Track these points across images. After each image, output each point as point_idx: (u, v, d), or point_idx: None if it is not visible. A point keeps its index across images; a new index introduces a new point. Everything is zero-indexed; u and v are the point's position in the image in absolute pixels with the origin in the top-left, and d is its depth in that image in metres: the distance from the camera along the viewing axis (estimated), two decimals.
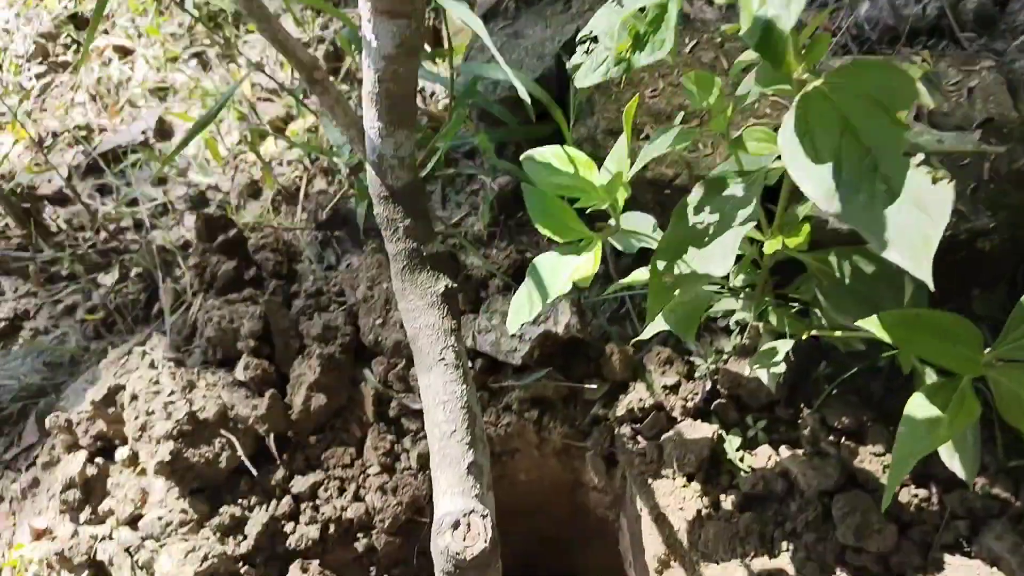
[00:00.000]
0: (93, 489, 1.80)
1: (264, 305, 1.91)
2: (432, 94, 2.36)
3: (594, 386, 1.82)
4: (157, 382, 1.79)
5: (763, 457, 1.67)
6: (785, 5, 0.83)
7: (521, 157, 1.26)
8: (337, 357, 1.86)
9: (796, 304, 1.46)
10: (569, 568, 2.39)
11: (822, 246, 1.30)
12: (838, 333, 1.33)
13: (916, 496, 1.54)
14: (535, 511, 2.13)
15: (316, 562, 1.75)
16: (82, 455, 1.82)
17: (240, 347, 1.89)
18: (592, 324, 1.87)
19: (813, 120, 0.89)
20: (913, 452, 1.08)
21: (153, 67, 2.85)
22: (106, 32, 3.01)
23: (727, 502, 1.65)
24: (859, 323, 1.06)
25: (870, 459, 1.60)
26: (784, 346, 1.41)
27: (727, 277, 1.43)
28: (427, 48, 2.06)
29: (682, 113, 1.55)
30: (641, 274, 1.38)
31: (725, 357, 1.75)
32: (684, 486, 1.69)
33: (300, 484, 1.79)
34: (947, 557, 1.49)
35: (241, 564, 1.70)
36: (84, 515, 1.78)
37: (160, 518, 1.71)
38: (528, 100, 1.54)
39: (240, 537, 1.72)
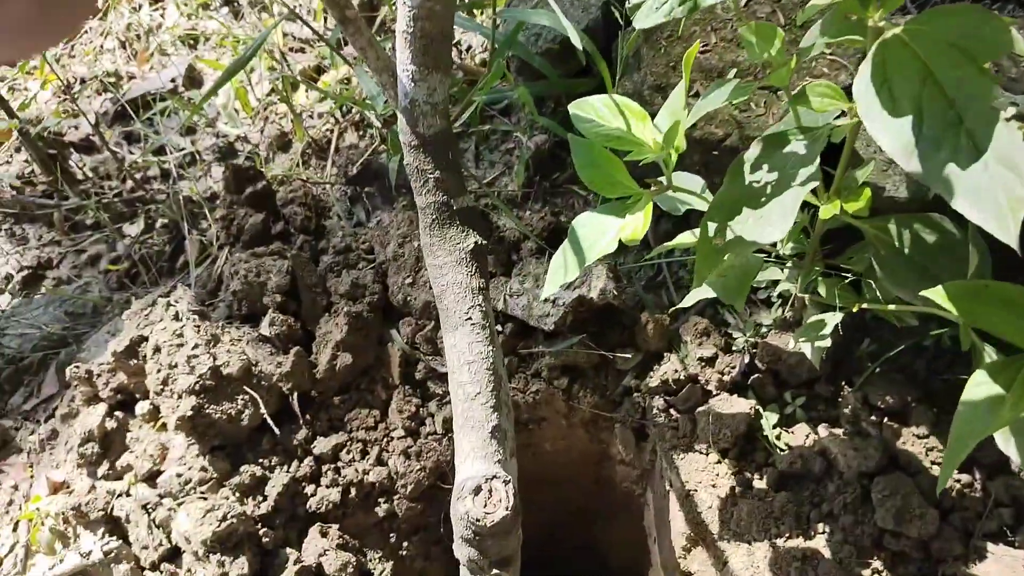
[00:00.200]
0: (112, 443, 1.78)
1: (291, 260, 1.86)
2: (468, 48, 2.29)
3: (627, 355, 1.76)
4: (181, 335, 1.74)
5: (801, 435, 1.63)
6: None
7: (570, 106, 1.20)
8: (365, 316, 1.81)
9: (847, 275, 1.39)
10: (592, 541, 2.36)
11: (877, 215, 1.23)
12: (892, 307, 1.27)
13: (959, 481, 1.49)
14: (560, 482, 2.09)
15: (336, 526, 1.72)
16: (102, 408, 1.79)
17: (266, 302, 1.85)
18: (627, 292, 1.81)
19: (891, 69, 0.82)
20: (973, 433, 1.01)
21: (184, 14, 2.79)
22: None
23: (762, 481, 1.61)
24: (923, 294, 1.00)
25: (913, 441, 1.55)
26: (833, 319, 1.35)
27: (774, 245, 1.37)
28: None
29: (734, 70, 1.47)
30: (686, 237, 1.32)
31: (764, 330, 1.69)
32: (717, 462, 1.65)
33: (323, 445, 1.76)
34: (990, 546, 1.44)
35: (260, 525, 1.66)
36: (102, 469, 1.75)
37: (179, 475, 1.67)
38: (580, 45, 1.47)
39: (260, 498, 1.69)
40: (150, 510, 1.68)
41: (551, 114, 1.98)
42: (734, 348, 1.72)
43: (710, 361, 1.72)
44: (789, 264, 1.41)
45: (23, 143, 2.39)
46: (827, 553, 1.48)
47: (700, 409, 1.69)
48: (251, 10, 2.72)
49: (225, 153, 2.40)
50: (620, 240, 1.13)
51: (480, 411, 1.17)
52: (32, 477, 1.84)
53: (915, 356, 1.63)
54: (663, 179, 1.19)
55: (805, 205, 1.22)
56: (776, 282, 1.60)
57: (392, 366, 1.84)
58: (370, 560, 1.77)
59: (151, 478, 1.72)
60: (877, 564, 1.46)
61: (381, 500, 1.77)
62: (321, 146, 2.27)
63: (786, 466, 1.58)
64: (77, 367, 1.81)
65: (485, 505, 1.09)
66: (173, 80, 2.57)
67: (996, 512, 1.46)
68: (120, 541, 1.67)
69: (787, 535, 1.53)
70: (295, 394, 1.77)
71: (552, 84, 1.91)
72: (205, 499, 1.65)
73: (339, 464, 1.76)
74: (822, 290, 1.38)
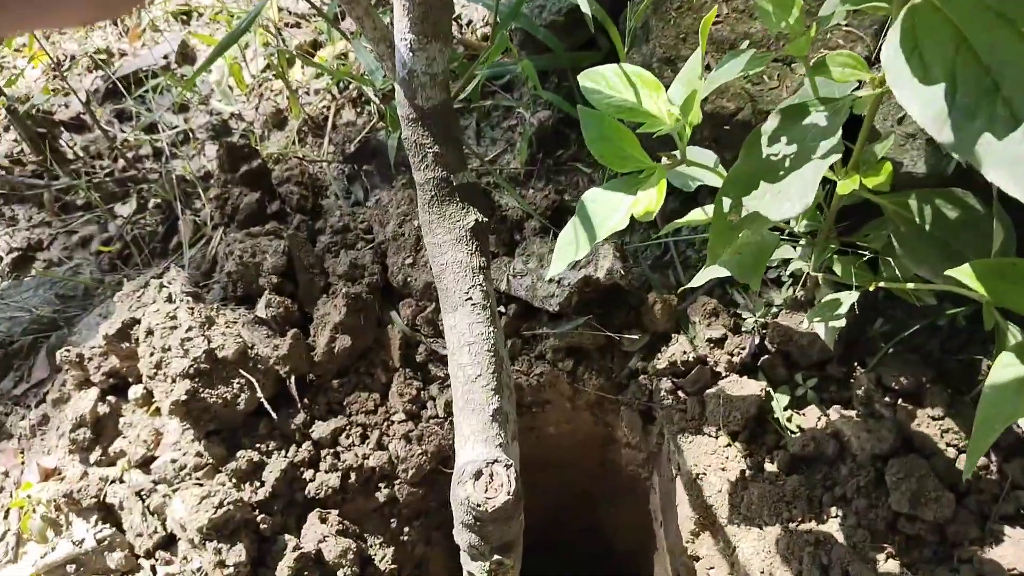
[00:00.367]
0: (104, 428, 1.74)
1: (288, 240, 1.82)
2: (469, 22, 2.23)
3: (634, 336, 1.72)
4: (174, 317, 1.70)
5: (812, 417, 1.59)
6: None
7: (579, 76, 1.14)
8: (364, 297, 1.76)
9: (862, 253, 1.35)
10: (597, 524, 2.33)
11: (894, 190, 1.19)
12: (910, 285, 1.22)
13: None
14: (564, 465, 2.06)
15: (335, 512, 1.68)
16: (93, 392, 1.75)
17: (262, 283, 1.81)
18: (633, 272, 1.76)
19: (922, 35, 0.77)
20: (1000, 417, 0.97)
21: None
22: None
23: (773, 464, 1.57)
24: (948, 272, 0.95)
25: (928, 422, 1.51)
26: (848, 298, 1.31)
27: (787, 222, 1.32)
28: None
29: (747, 41, 1.42)
30: (698, 215, 1.27)
31: (775, 310, 1.65)
32: (727, 445, 1.61)
33: (321, 429, 1.72)
34: (1007, 529, 1.41)
35: (257, 512, 1.62)
36: (94, 455, 1.71)
37: (174, 461, 1.63)
38: (588, 11, 1.42)
39: (257, 483, 1.65)
40: (144, 496, 1.64)
41: (555, 89, 1.93)
42: (744, 329, 1.68)
43: (719, 342, 1.68)
44: (802, 242, 1.37)
45: (12, 122, 2.33)
46: (840, 537, 1.45)
47: (709, 391, 1.65)
48: None
49: (219, 131, 2.35)
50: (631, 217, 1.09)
51: (481, 393, 1.14)
52: (23, 463, 1.79)
53: (929, 336, 1.59)
54: (676, 153, 1.14)
55: (821, 181, 1.18)
56: (788, 261, 1.56)
57: (392, 348, 1.80)
58: (371, 546, 1.73)
59: (145, 464, 1.68)
60: (891, 548, 1.43)
61: (381, 485, 1.74)
62: (318, 123, 2.22)
63: (798, 449, 1.54)
64: (68, 351, 1.76)
65: (486, 490, 1.06)
66: (166, 57, 2.51)
67: (1013, 494, 1.43)
68: (114, 528, 1.63)
69: (799, 519, 1.49)
70: (292, 377, 1.73)
71: (557, 57, 1.86)
72: (201, 485, 1.61)
73: (338, 449, 1.72)
74: (837, 268, 1.33)
